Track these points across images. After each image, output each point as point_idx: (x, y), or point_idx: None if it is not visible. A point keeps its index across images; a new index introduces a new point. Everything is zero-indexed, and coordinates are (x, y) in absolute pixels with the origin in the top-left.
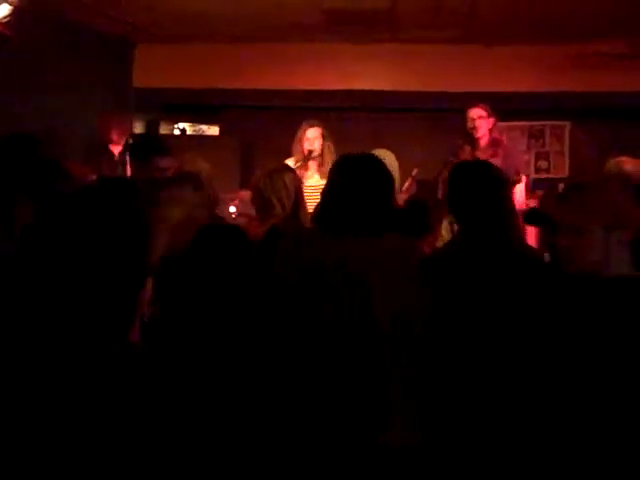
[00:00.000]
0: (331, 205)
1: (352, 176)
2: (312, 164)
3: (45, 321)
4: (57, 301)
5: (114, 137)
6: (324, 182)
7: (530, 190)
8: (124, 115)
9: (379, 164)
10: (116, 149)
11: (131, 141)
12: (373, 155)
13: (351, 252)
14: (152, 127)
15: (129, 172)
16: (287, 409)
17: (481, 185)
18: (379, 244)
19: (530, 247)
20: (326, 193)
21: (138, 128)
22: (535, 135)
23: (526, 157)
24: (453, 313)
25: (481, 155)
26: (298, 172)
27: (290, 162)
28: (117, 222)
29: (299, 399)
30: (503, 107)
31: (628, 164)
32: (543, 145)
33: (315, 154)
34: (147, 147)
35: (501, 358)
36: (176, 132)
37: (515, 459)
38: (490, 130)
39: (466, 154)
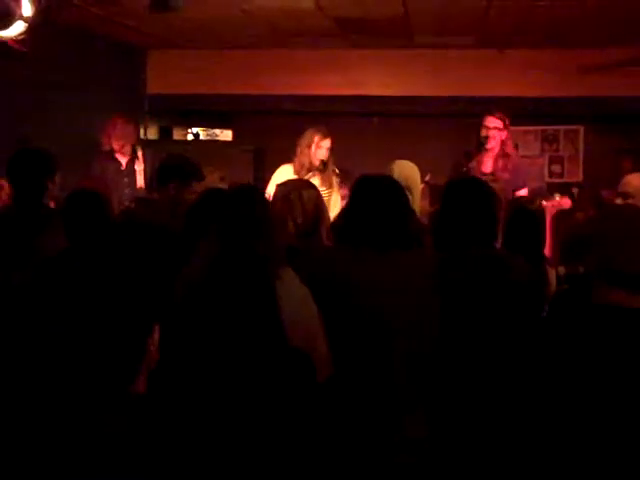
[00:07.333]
0: (355, 222)
1: (374, 197)
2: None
3: (48, 365)
4: (62, 343)
5: (115, 147)
6: (324, 189)
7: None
8: (127, 123)
9: (396, 185)
10: (123, 159)
11: (139, 151)
12: (391, 177)
13: (378, 267)
14: (165, 132)
15: (139, 183)
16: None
17: (472, 204)
18: (403, 259)
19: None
20: (349, 211)
21: (152, 134)
22: (549, 139)
23: (540, 161)
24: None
25: (489, 167)
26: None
27: (290, 168)
28: (128, 266)
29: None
30: (517, 112)
31: None
32: (557, 149)
33: (325, 164)
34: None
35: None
36: (189, 137)
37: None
38: (502, 142)
39: (475, 163)
